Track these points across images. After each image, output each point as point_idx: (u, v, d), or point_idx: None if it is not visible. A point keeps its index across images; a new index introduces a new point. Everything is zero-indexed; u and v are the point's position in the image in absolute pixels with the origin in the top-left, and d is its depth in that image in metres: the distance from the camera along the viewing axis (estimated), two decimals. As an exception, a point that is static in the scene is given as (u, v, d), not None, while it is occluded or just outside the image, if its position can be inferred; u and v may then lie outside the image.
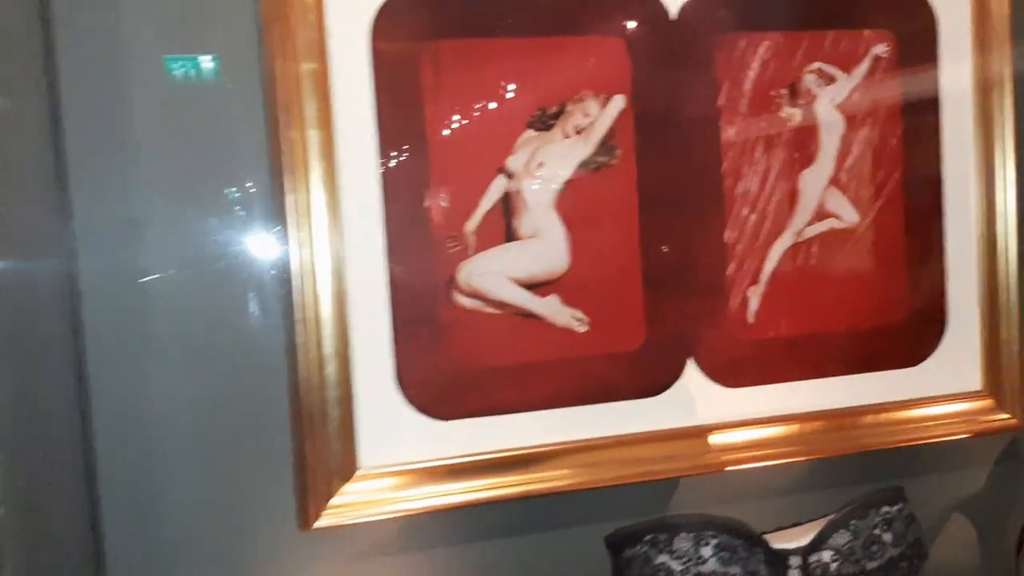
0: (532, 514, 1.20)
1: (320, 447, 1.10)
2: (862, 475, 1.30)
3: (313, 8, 1.06)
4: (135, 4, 1.04)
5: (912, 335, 1.32)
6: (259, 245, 1.09)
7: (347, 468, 1.11)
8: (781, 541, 0.99)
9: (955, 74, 1.30)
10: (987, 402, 1.34)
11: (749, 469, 1.25)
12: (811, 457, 1.27)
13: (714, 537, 0.95)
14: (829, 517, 1.02)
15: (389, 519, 1.14)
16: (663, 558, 0.95)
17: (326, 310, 1.08)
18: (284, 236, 1.07)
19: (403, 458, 1.14)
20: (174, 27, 1.06)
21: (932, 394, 1.32)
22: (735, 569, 0.94)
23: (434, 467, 1.15)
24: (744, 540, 0.95)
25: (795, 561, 0.98)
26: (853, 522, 0.99)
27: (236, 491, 1.11)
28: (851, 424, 1.29)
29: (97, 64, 1.04)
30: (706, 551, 0.94)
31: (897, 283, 1.30)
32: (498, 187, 1.15)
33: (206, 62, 1.07)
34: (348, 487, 1.11)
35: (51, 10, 1.02)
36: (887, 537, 0.98)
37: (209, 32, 1.07)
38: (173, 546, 1.10)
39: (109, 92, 1.04)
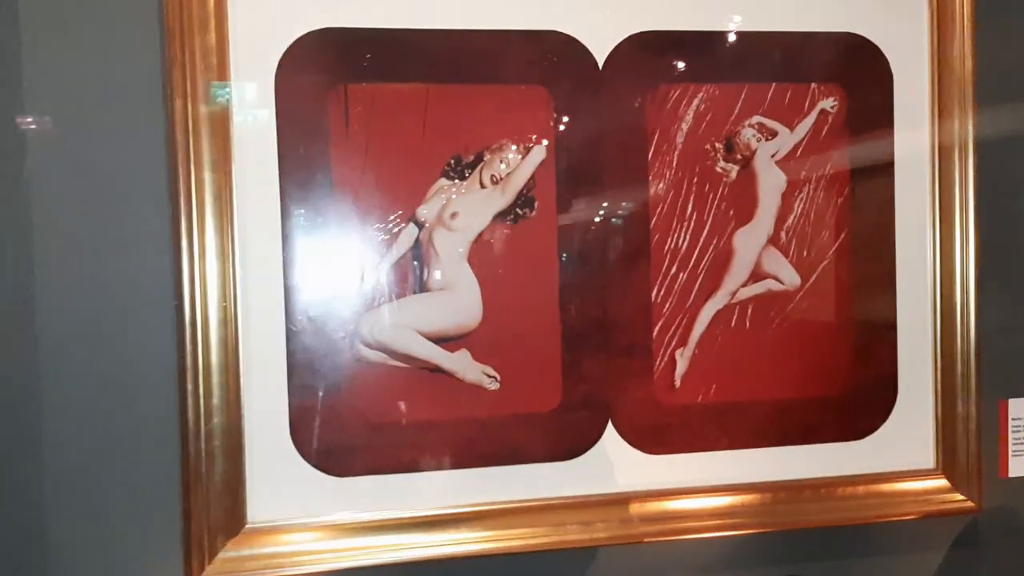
0: (435, 579, 1.15)
1: (206, 499, 1.06)
2: (799, 554, 1.22)
3: (214, 50, 1.04)
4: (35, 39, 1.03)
5: (858, 406, 1.24)
6: (155, 287, 1.06)
7: (234, 523, 1.07)
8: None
9: (911, 134, 1.23)
10: (941, 482, 1.25)
11: (672, 542, 1.19)
12: (742, 532, 1.20)
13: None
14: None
15: (281, 578, 1.10)
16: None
17: (216, 358, 1.05)
18: (179, 280, 1.05)
19: (295, 515, 1.09)
20: (75, 66, 1.04)
21: (880, 470, 1.24)
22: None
23: (329, 525, 1.10)
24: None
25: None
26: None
27: (124, 541, 1.08)
28: (788, 499, 1.21)
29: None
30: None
31: (842, 351, 1.23)
32: (408, 236, 1.11)
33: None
34: (235, 542, 1.07)
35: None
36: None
37: (113, 70, 1.05)
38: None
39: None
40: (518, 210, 1.13)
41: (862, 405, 1.24)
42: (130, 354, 1.06)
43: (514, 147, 1.13)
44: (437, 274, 1.12)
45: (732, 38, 1.17)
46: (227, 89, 1.05)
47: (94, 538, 1.07)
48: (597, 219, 1.15)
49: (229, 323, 1.05)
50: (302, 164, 1.08)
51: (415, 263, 1.11)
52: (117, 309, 1.06)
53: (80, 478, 1.06)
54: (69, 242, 1.05)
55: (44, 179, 1.04)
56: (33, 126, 1.03)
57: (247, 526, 1.08)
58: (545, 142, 1.14)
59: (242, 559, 1.07)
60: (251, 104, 1.06)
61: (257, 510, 1.08)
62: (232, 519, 1.07)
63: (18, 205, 1.03)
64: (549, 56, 1.13)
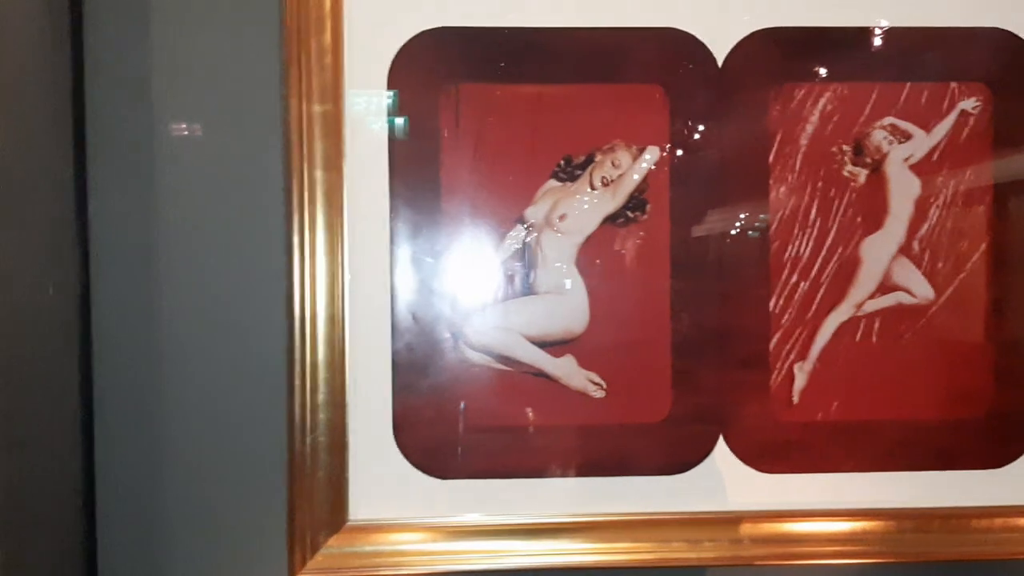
0: (534, 588, 1.12)
1: (309, 494, 1.07)
2: (926, 588, 1.14)
3: (330, 50, 1.05)
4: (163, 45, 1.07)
5: (998, 432, 1.14)
6: (268, 284, 1.08)
7: (337, 519, 1.08)
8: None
9: (1065, 135, 1.13)
10: (1091, 518, 1.14)
11: (785, 566, 1.12)
12: (863, 561, 1.12)
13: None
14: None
15: (380, 576, 1.10)
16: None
17: (322, 355, 1.06)
18: (290, 276, 1.06)
19: (397, 514, 1.09)
20: (200, 65, 1.08)
21: (1019, 503, 1.14)
22: None
23: (430, 527, 1.09)
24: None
25: None
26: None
27: (232, 532, 1.10)
28: (915, 527, 1.13)
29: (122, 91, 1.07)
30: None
31: (980, 371, 1.13)
32: (515, 238, 1.09)
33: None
34: (337, 539, 1.08)
35: (84, 46, 1.06)
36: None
37: (233, 70, 1.08)
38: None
39: (134, 121, 1.07)
40: (629, 213, 1.10)
41: (1002, 430, 1.14)
42: (242, 349, 1.09)
43: (626, 148, 1.10)
44: (544, 277, 1.10)
45: (862, 34, 1.11)
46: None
47: (204, 529, 1.10)
48: (713, 224, 1.10)
49: (337, 321, 1.06)
50: (412, 163, 1.08)
51: (522, 265, 1.09)
52: (232, 305, 1.08)
53: (193, 470, 1.09)
54: (190, 241, 1.08)
55: (169, 179, 1.07)
56: (162, 128, 1.07)
57: (349, 523, 1.08)
58: (659, 144, 1.10)
59: (343, 555, 1.08)
60: (362, 105, 1.07)
61: (359, 508, 1.09)
62: (335, 515, 1.08)
63: (141, 202, 1.07)
64: (667, 55, 1.10)
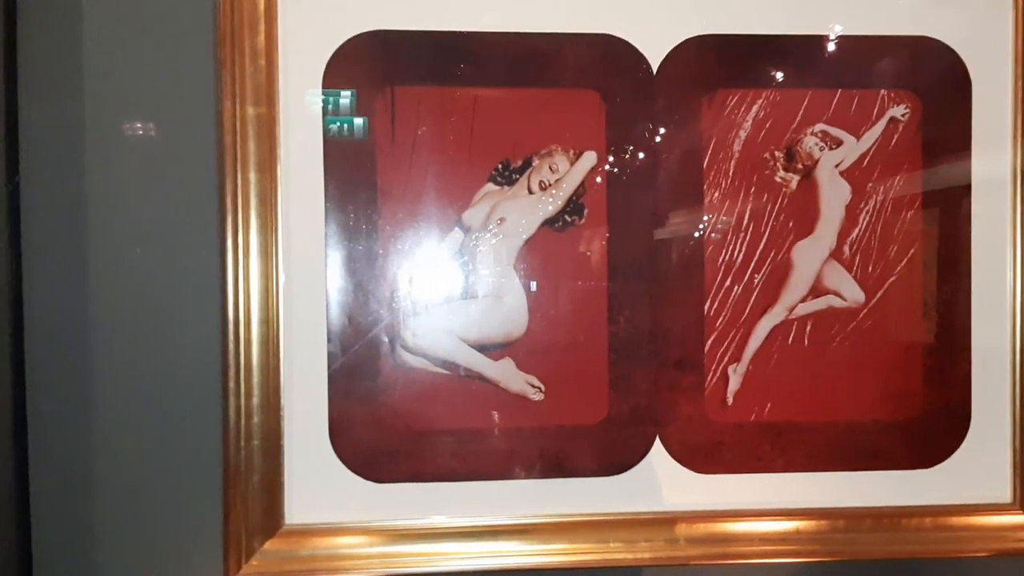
0: (472, 591, 1.12)
1: (244, 498, 1.06)
2: (858, 586, 1.15)
3: (264, 52, 1.05)
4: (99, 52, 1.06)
5: (928, 432, 1.16)
6: (201, 285, 1.08)
7: (272, 523, 1.07)
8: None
9: (992, 144, 1.15)
10: (1018, 518, 1.16)
11: (720, 566, 1.14)
12: (796, 560, 1.14)
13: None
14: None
15: (317, 581, 1.09)
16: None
17: (256, 358, 1.06)
18: (224, 278, 1.05)
19: (333, 518, 1.09)
20: (133, 64, 1.07)
21: (950, 502, 1.16)
22: None
23: (367, 530, 1.09)
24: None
25: None
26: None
27: (166, 536, 1.09)
28: (847, 527, 1.15)
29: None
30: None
31: (909, 373, 1.16)
32: (453, 241, 1.10)
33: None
34: (273, 543, 1.07)
35: (17, 44, 1.05)
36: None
37: (166, 71, 1.07)
38: (98, 585, 1.09)
39: (66, 121, 1.06)
40: (567, 217, 1.11)
41: (932, 431, 1.16)
42: (176, 352, 1.08)
43: (564, 153, 1.10)
44: (482, 280, 1.10)
45: (795, 42, 1.13)
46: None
47: (137, 533, 1.09)
48: (648, 228, 1.12)
49: (271, 323, 1.05)
50: (347, 166, 1.08)
51: (460, 268, 1.10)
52: (165, 308, 1.07)
53: (124, 473, 1.08)
54: (123, 242, 1.07)
55: (101, 180, 1.06)
56: (95, 128, 1.06)
57: (284, 527, 1.08)
58: (596, 148, 1.11)
59: (279, 559, 1.07)
60: (296, 107, 1.07)
61: (295, 512, 1.08)
62: (270, 519, 1.07)
63: (74, 202, 1.06)
64: (602, 61, 1.11)
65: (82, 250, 1.06)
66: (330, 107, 1.07)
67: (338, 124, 1.07)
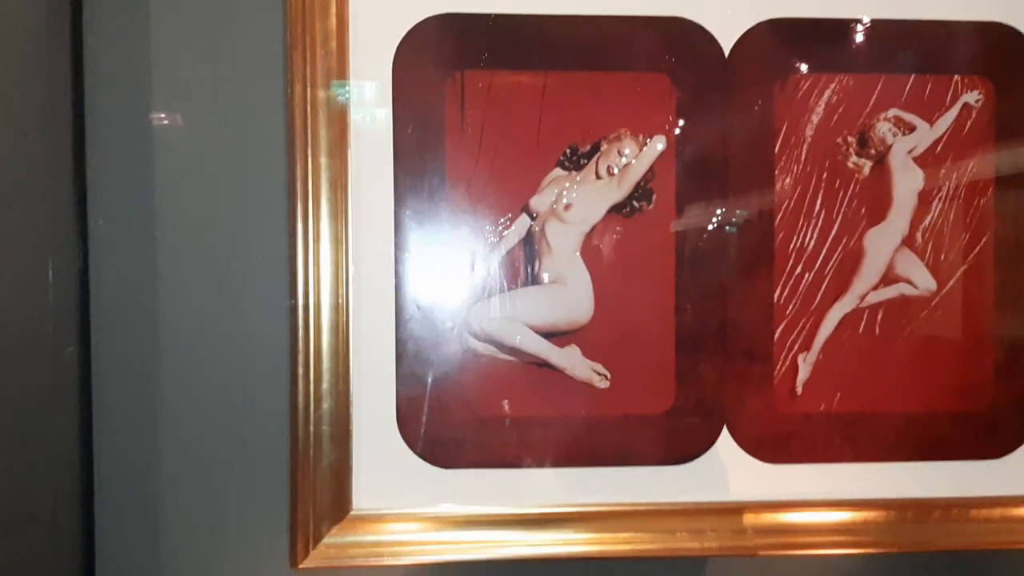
0: (537, 579, 1.12)
1: (312, 484, 1.06)
2: (926, 578, 1.14)
3: (335, 35, 1.04)
4: (164, 32, 1.06)
5: (998, 423, 1.14)
6: (271, 272, 1.07)
7: (340, 509, 1.07)
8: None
9: (1067, 128, 1.13)
10: (1089, 509, 1.15)
11: (788, 556, 1.13)
12: (864, 551, 1.13)
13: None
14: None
15: (383, 567, 1.09)
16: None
17: (326, 344, 1.05)
18: (293, 264, 1.05)
19: (401, 504, 1.09)
20: (201, 51, 1.06)
21: (1017, 493, 1.14)
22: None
23: (433, 517, 1.09)
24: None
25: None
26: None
27: (233, 522, 1.09)
28: (916, 518, 1.13)
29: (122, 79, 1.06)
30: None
31: (981, 363, 1.14)
32: (520, 227, 1.09)
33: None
34: (340, 528, 1.07)
35: (83, 32, 1.04)
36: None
37: (237, 55, 1.06)
38: (166, 569, 1.08)
39: (133, 108, 1.06)
40: (634, 203, 1.10)
41: (1001, 422, 1.14)
42: (245, 338, 1.07)
43: (632, 137, 1.09)
44: (548, 267, 1.09)
45: (869, 26, 1.11)
46: (346, 88, 1.04)
47: (205, 520, 1.09)
48: (718, 215, 1.10)
49: (340, 309, 1.05)
50: (416, 151, 1.07)
51: (526, 255, 1.09)
52: (234, 294, 1.07)
53: (193, 460, 1.08)
54: (192, 228, 1.07)
55: (170, 166, 1.06)
56: (161, 117, 1.06)
57: (352, 513, 1.07)
58: (665, 133, 1.09)
59: (346, 545, 1.07)
60: (369, 90, 1.06)
61: (362, 497, 1.08)
62: (338, 505, 1.07)
63: (143, 189, 1.06)
64: (673, 44, 1.09)
65: (151, 237, 1.06)
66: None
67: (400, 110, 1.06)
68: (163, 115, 1.06)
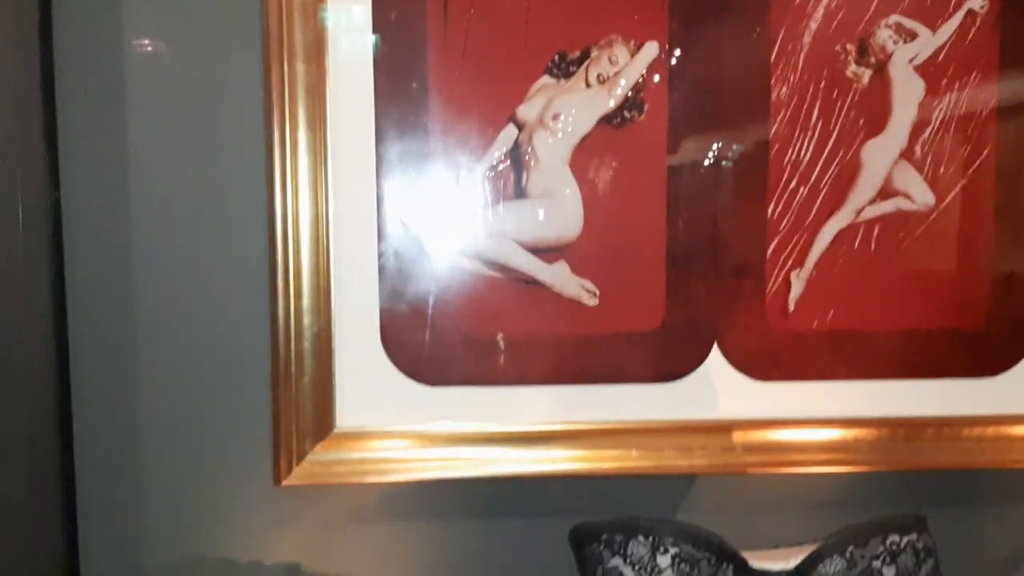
0: (524, 496, 1.11)
1: (295, 401, 1.04)
2: (915, 497, 1.12)
3: (310, -66, 0.99)
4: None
5: (993, 341, 1.13)
6: (248, 185, 1.04)
7: (323, 426, 1.05)
8: (764, 561, 0.86)
9: (1074, 37, 1.09)
10: (1082, 428, 1.13)
11: (777, 474, 1.12)
12: (854, 469, 1.12)
13: (674, 546, 0.82)
14: (825, 540, 0.87)
15: (368, 484, 1.08)
16: (616, 561, 0.83)
17: (306, 258, 1.02)
18: (271, 175, 1.01)
19: (385, 422, 1.07)
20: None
21: (1011, 412, 1.13)
22: (695, 585, 0.82)
23: (418, 434, 1.07)
24: (711, 554, 0.83)
25: (776, 585, 0.85)
26: (850, 549, 0.83)
27: (215, 440, 1.07)
28: (907, 436, 1.12)
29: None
30: (663, 560, 0.82)
31: (977, 280, 1.11)
32: (507, 138, 1.05)
33: None
34: (323, 446, 1.05)
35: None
36: (888, 571, 0.83)
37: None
38: (146, 488, 1.07)
39: (104, 18, 1.01)
40: (625, 113, 1.06)
41: (996, 340, 1.12)
42: (223, 253, 1.04)
43: (624, 43, 1.05)
44: (537, 180, 1.06)
45: (872, -74, 1.06)
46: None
47: (186, 439, 1.07)
48: (711, 126, 1.06)
49: (320, 222, 1.02)
50: (397, 57, 1.03)
51: (513, 167, 1.05)
52: (210, 208, 1.04)
53: (173, 379, 1.06)
54: (165, 141, 1.03)
55: (141, 75, 1.02)
56: (135, 29, 1.01)
57: (336, 430, 1.06)
58: (658, 39, 1.05)
59: (330, 463, 1.06)
60: (348, -6, 1.01)
61: (346, 415, 1.06)
62: (321, 423, 1.05)
63: (117, 103, 1.02)
64: (666, -55, 1.04)
65: (123, 145, 1.02)
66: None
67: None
68: (136, 27, 1.01)
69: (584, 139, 1.05)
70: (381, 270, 1.04)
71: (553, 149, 1.05)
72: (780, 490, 1.13)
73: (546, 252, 1.07)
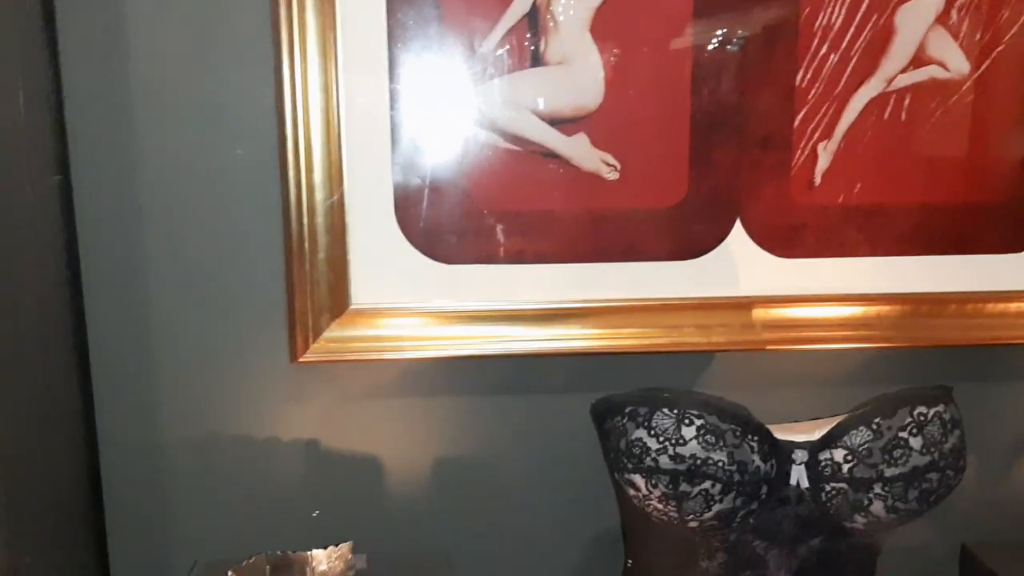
0: (541, 374, 1.10)
1: (309, 277, 1.02)
2: (936, 374, 1.11)
3: None
4: None
5: (1019, 217, 1.10)
6: (255, 54, 0.99)
7: (339, 303, 1.04)
8: (789, 433, 0.85)
9: None
10: (1108, 304, 1.12)
11: (796, 351, 1.10)
12: (875, 345, 1.11)
13: (699, 418, 0.82)
14: (851, 411, 0.86)
15: (384, 361, 1.07)
16: (640, 433, 0.83)
17: (317, 130, 0.99)
18: (278, 42, 0.97)
19: (400, 300, 1.05)
20: None
21: (1036, 288, 1.11)
22: (719, 456, 0.81)
23: (436, 312, 1.06)
24: (737, 426, 0.82)
25: (800, 456, 0.84)
26: (877, 420, 0.83)
27: (228, 316, 1.06)
28: (929, 312, 1.11)
29: None
30: (688, 431, 0.81)
31: (1011, 152, 1.08)
32: (524, 1, 1.00)
33: None
34: (339, 323, 1.04)
35: None
36: (915, 442, 0.82)
37: None
38: (162, 365, 1.06)
39: None
40: (649, -26, 1.00)
41: (1025, 215, 1.10)
42: (231, 128, 1.01)
43: (649, -101, 0.98)
44: (555, 46, 1.01)
45: None
46: None
47: (200, 317, 1.05)
48: (739, -12, 1.01)
49: (330, 91, 0.98)
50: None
51: (531, 33, 1.00)
52: (214, 76, 0.99)
53: (186, 257, 1.03)
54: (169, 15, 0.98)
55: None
56: None
57: (351, 307, 1.04)
58: None
59: (346, 340, 1.05)
60: None
61: (361, 292, 1.04)
62: (336, 299, 1.04)
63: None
64: None
65: (121, 34, 0.97)
66: None
67: None
68: None
69: (605, 1, 1.00)
70: (394, 142, 1.01)
71: (572, 12, 1.00)
72: (799, 367, 1.12)
73: (565, 123, 1.03)
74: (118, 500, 1.09)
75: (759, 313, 1.09)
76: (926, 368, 1.11)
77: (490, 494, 1.13)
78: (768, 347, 1.09)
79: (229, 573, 0.89)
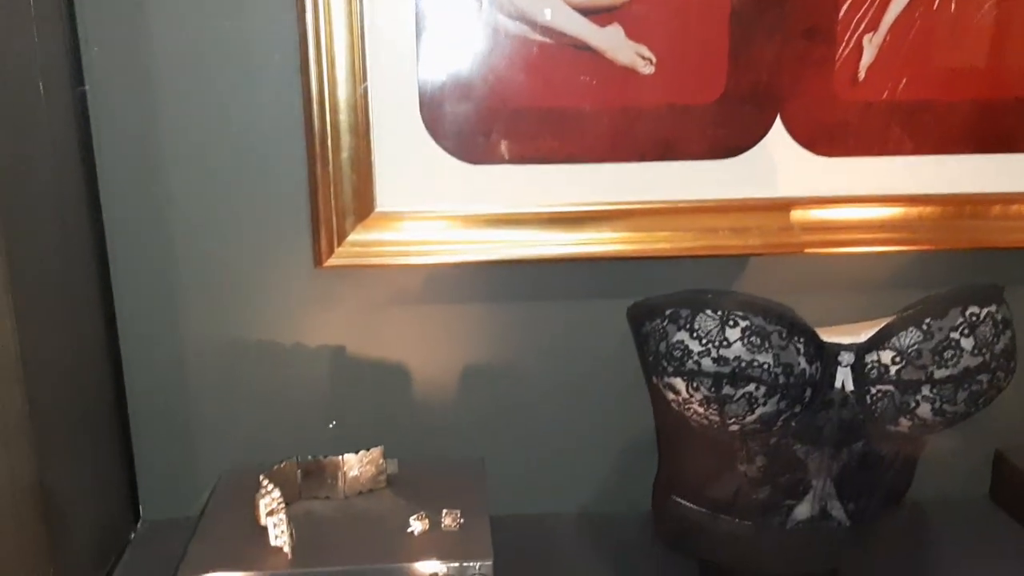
0: (571, 279, 1.07)
1: (333, 179, 0.99)
2: (975, 277, 1.07)
3: None
4: None
5: (1074, 112, 1.05)
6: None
7: (364, 205, 1.00)
8: (835, 336, 0.83)
9: None
10: None
11: (836, 254, 1.07)
12: (916, 248, 1.07)
13: (744, 319, 0.79)
14: (900, 312, 0.83)
15: (411, 266, 1.04)
16: (681, 335, 0.80)
17: (340, 23, 0.94)
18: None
19: (427, 203, 1.02)
20: None
21: (1087, 188, 1.07)
22: (764, 358, 0.78)
23: (463, 216, 1.02)
24: (782, 327, 0.79)
25: (846, 358, 0.81)
26: (928, 320, 0.80)
27: (252, 220, 1.03)
28: (972, 213, 1.07)
29: None
30: (732, 333, 0.79)
31: (1066, 42, 1.03)
32: None
33: None
34: (364, 226, 1.01)
35: None
36: (966, 343, 0.80)
37: None
38: (184, 272, 1.04)
39: None
40: None
41: (1080, 110, 1.05)
42: (250, 24, 0.96)
43: None
44: (589, -69, 0.95)
45: None
46: None
47: (223, 221, 1.02)
48: None
49: (353, -21, 0.93)
50: None
51: (564, -84, 0.95)
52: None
53: (204, 158, 1.00)
54: None
55: None
56: None
57: (377, 210, 1.01)
58: None
59: (371, 243, 1.02)
60: None
61: (386, 195, 1.01)
62: (361, 202, 1.00)
63: None
64: None
65: None
66: None
67: None
68: None
69: None
70: (418, 34, 0.96)
71: None
72: (837, 270, 1.09)
73: (598, 13, 0.98)
74: (143, 408, 1.08)
75: (797, 215, 1.05)
76: (967, 271, 1.07)
77: (519, 402, 1.11)
78: (806, 250, 1.06)
79: (261, 477, 0.88)
